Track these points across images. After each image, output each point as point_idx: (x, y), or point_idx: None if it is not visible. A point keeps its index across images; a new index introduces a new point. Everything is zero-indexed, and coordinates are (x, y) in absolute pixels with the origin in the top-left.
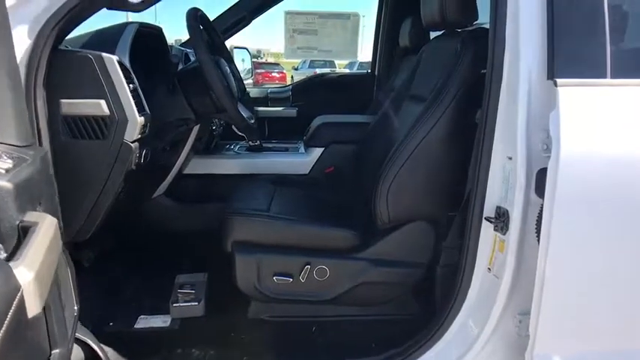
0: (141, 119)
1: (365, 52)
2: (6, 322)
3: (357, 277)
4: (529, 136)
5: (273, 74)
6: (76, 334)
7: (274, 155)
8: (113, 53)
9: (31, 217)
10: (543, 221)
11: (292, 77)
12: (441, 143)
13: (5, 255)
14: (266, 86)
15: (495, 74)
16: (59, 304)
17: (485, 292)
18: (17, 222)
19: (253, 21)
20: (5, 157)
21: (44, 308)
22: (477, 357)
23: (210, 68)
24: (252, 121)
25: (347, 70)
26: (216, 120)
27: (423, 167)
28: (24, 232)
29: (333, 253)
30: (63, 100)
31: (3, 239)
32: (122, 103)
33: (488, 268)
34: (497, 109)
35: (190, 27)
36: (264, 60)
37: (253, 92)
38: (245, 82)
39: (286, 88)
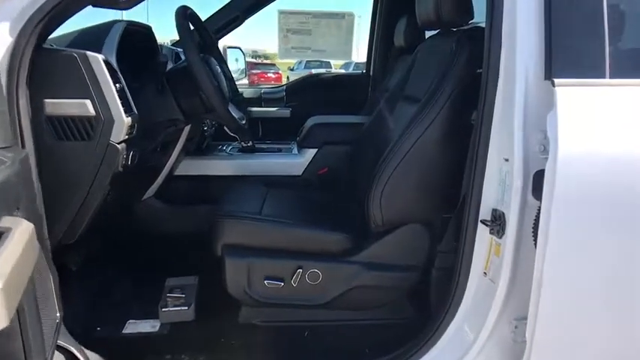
0: (128, 120)
1: (361, 53)
2: None
3: (350, 281)
4: (526, 138)
5: (269, 75)
6: (59, 341)
7: (267, 156)
8: (100, 52)
9: (5, 222)
10: (540, 224)
11: (288, 78)
12: (435, 144)
13: None
14: (260, 86)
15: (491, 74)
16: (35, 314)
17: (481, 297)
18: None
19: (250, 21)
20: None
21: (19, 319)
22: None
23: (200, 68)
24: (244, 122)
25: (343, 71)
26: (208, 120)
27: (417, 169)
28: None
29: (325, 256)
30: (47, 100)
31: None
32: (108, 104)
33: (484, 273)
34: (493, 109)
35: (179, 25)
36: (260, 60)
37: (247, 92)
38: (239, 82)
39: (280, 88)
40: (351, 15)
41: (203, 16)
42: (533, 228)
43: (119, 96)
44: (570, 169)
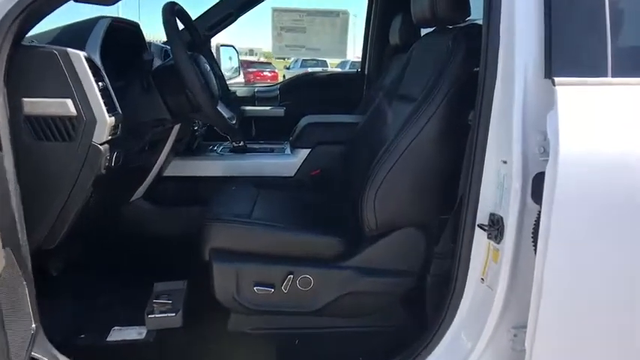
0: (111, 120)
1: (357, 52)
2: None
3: (342, 287)
4: (525, 139)
5: (265, 73)
6: (34, 353)
7: (259, 157)
8: (83, 49)
9: None
10: (541, 229)
11: (284, 76)
12: (432, 145)
13: None
14: (254, 85)
15: (489, 72)
16: (1, 328)
17: (479, 304)
18: None
19: (247, 20)
20: None
21: None
22: None
23: (187, 65)
24: (234, 122)
25: (338, 70)
26: (198, 120)
27: (412, 170)
28: None
29: (317, 261)
30: (25, 99)
31: None
32: (90, 103)
33: (482, 279)
34: (490, 109)
35: (166, 21)
36: (256, 59)
37: (240, 91)
38: (233, 80)
39: (274, 87)
40: (346, 13)
41: (196, 14)
42: (532, 233)
43: (102, 95)
44: (571, 172)
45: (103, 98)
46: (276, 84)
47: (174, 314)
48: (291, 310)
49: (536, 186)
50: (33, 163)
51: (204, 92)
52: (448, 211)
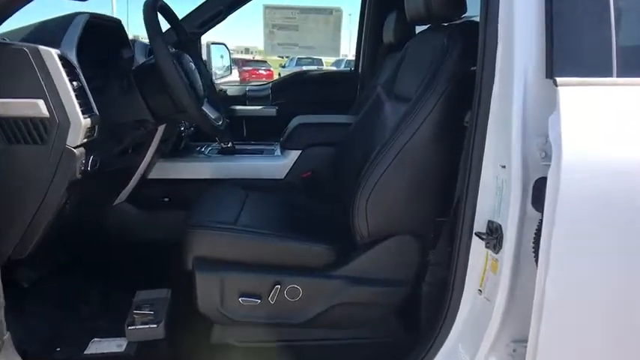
0: (86, 121)
1: (352, 51)
2: None
3: (332, 298)
4: (525, 142)
5: (261, 72)
6: None
7: (248, 158)
8: (58, 47)
9: None
10: (542, 238)
11: (280, 75)
12: (427, 147)
13: None
14: (246, 84)
15: (487, 72)
16: None
17: (476, 316)
18: None
19: (242, 18)
20: None
21: None
22: None
23: (168, 64)
24: (220, 123)
25: (334, 68)
26: (183, 120)
27: (406, 174)
28: None
29: (306, 270)
30: None
31: None
32: (64, 104)
33: (479, 290)
34: (488, 110)
35: (147, 17)
36: (252, 57)
37: (231, 90)
38: (226, 79)
39: (265, 85)
40: (339, 10)
41: (185, 11)
42: (533, 243)
43: (77, 95)
44: (575, 178)
45: (77, 99)
46: (268, 83)
47: (156, 325)
48: (279, 322)
49: (537, 192)
50: (2, 167)
51: (188, 92)
52: (444, 217)
